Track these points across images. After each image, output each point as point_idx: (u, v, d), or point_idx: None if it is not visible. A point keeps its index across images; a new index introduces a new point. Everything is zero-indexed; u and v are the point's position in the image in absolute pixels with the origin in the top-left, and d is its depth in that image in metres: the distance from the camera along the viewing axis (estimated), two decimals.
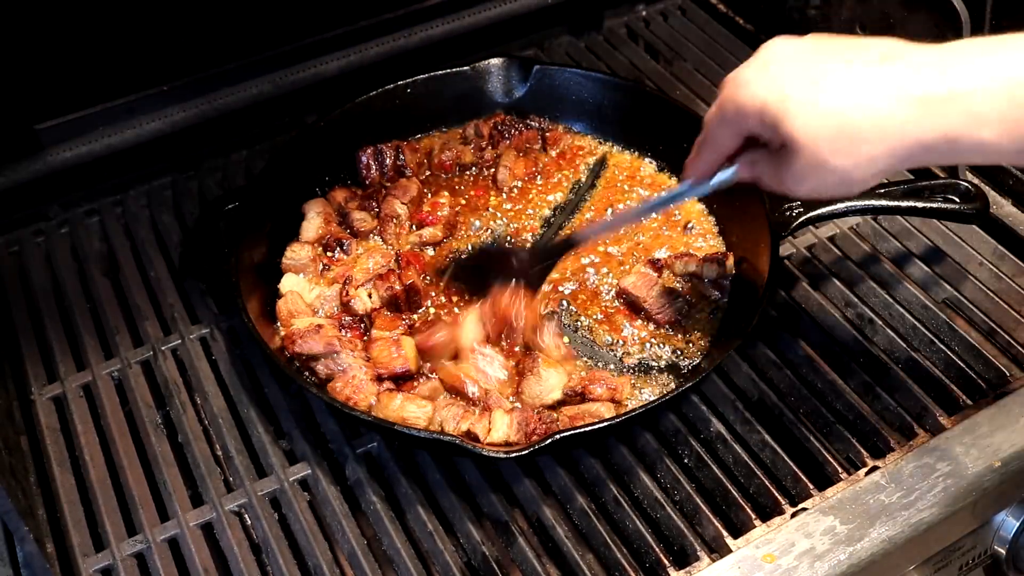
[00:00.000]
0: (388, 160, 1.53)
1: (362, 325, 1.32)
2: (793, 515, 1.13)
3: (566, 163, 1.56)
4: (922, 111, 0.88)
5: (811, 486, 1.16)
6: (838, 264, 1.43)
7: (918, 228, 1.46)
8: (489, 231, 1.47)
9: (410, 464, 1.22)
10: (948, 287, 1.40)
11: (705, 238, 1.44)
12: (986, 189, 1.46)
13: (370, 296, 1.33)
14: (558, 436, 1.10)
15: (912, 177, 1.52)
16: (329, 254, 1.42)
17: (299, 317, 1.30)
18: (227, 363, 1.34)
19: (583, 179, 1.54)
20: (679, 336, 1.33)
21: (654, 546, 1.12)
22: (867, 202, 1.32)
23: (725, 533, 1.12)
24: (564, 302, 1.37)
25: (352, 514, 1.18)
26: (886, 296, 1.37)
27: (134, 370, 1.34)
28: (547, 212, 1.50)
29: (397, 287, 1.33)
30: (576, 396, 1.23)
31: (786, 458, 1.19)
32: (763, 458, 1.21)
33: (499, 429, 1.16)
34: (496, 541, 1.16)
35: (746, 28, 1.85)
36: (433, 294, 1.38)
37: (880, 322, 1.34)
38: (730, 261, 1.37)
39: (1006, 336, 1.33)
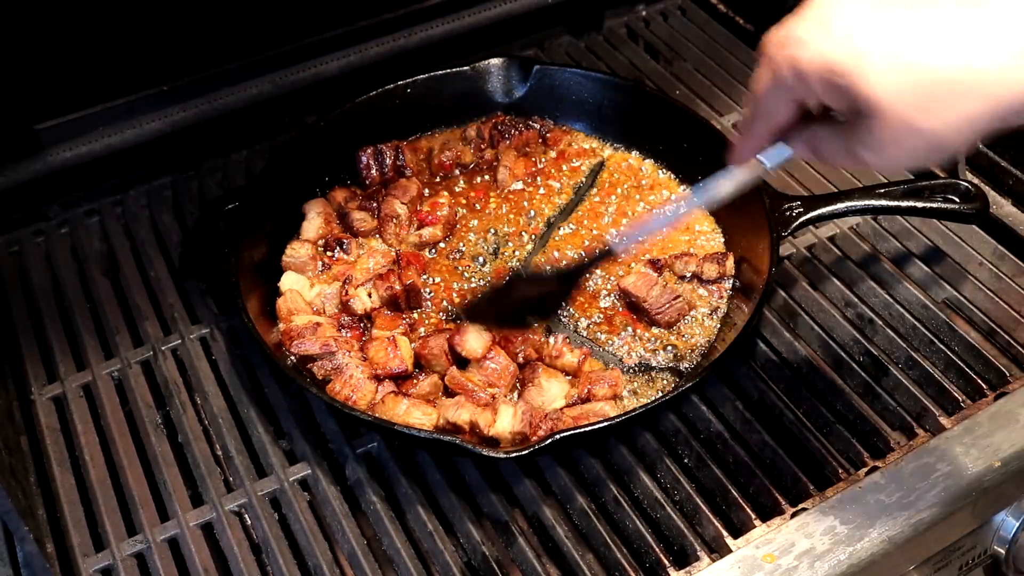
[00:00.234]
0: (388, 160, 1.53)
1: (361, 325, 1.32)
2: (793, 515, 1.13)
3: (566, 163, 1.56)
4: (1019, 62, 0.76)
5: (811, 486, 1.16)
6: (838, 264, 1.43)
7: (918, 228, 1.46)
8: (492, 232, 1.47)
9: (410, 464, 1.22)
10: (948, 287, 1.40)
11: (705, 238, 1.44)
12: (986, 189, 1.46)
13: (370, 296, 1.33)
14: (558, 436, 1.10)
15: (912, 177, 1.52)
16: (329, 254, 1.42)
17: (298, 315, 1.30)
18: (227, 363, 1.34)
19: (583, 180, 1.54)
20: (679, 336, 1.33)
21: (654, 546, 1.12)
22: (867, 202, 1.32)
23: (725, 533, 1.12)
24: (563, 303, 1.37)
25: (352, 514, 1.18)
26: (886, 296, 1.37)
27: (134, 370, 1.34)
28: (547, 212, 1.50)
29: (397, 287, 1.33)
30: (580, 399, 1.23)
31: (786, 458, 1.19)
32: (763, 458, 1.21)
33: (504, 420, 1.16)
34: (496, 541, 1.16)
35: (746, 28, 1.85)
36: (432, 293, 1.38)
37: (880, 322, 1.34)
38: (730, 261, 1.37)
39: (1006, 336, 1.33)
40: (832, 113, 0.88)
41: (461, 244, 1.45)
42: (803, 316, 1.35)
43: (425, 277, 1.40)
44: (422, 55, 1.69)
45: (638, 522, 1.14)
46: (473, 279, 1.41)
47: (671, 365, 1.30)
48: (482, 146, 1.56)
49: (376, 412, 1.21)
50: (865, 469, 1.16)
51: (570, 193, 1.52)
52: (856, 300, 1.37)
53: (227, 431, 1.26)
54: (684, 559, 1.12)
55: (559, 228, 1.48)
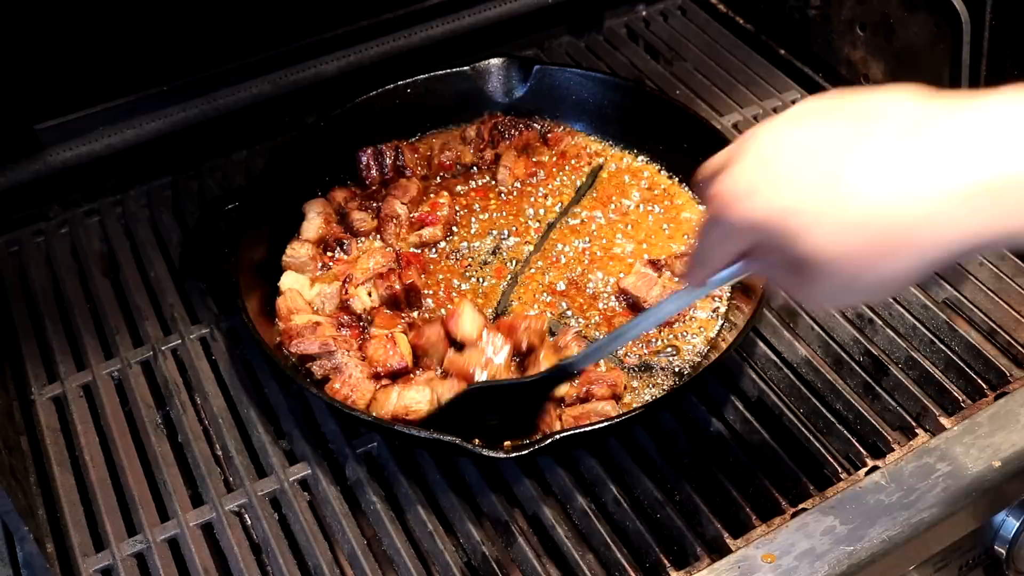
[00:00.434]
0: (388, 160, 1.53)
1: (361, 324, 1.32)
2: (793, 515, 1.13)
3: (566, 163, 1.56)
4: (972, 206, 0.71)
5: (811, 486, 1.15)
6: None
7: None
8: (492, 232, 1.47)
9: (410, 464, 1.22)
10: (948, 287, 1.40)
11: None
12: None
13: (370, 295, 1.33)
14: (558, 436, 1.11)
15: None
16: (329, 254, 1.42)
17: (298, 314, 1.31)
18: (227, 363, 1.34)
19: (584, 180, 1.54)
20: (679, 336, 1.33)
21: (654, 546, 1.12)
22: None
23: (725, 533, 1.11)
24: (563, 303, 1.37)
25: (352, 514, 1.18)
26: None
27: (134, 370, 1.34)
28: (547, 212, 1.50)
29: (397, 286, 1.33)
30: (579, 399, 1.23)
31: (786, 458, 1.19)
32: (763, 458, 1.21)
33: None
34: (496, 541, 1.16)
35: (746, 28, 1.85)
36: (432, 292, 1.38)
37: (880, 322, 1.34)
38: None
39: (1006, 336, 1.33)
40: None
41: (462, 243, 1.45)
42: (803, 316, 1.35)
43: (425, 278, 1.40)
44: (422, 55, 1.69)
45: (638, 522, 1.14)
46: (473, 278, 1.41)
47: (671, 365, 1.30)
48: (482, 146, 1.56)
49: (373, 410, 1.21)
50: (865, 469, 1.16)
51: (571, 193, 1.52)
52: None
53: (227, 431, 1.26)
54: (684, 559, 1.12)
55: (559, 228, 1.48)
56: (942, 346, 1.31)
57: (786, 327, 1.34)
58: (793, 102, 1.68)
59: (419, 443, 1.21)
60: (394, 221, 1.44)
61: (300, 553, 1.15)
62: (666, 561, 1.10)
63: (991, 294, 1.37)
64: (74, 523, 1.19)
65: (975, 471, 1.14)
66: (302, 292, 1.35)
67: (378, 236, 1.45)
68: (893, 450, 1.19)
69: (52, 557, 1.16)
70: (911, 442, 1.19)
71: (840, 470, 1.17)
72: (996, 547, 1.22)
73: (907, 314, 1.35)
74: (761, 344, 1.32)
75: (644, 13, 1.91)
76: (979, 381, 1.26)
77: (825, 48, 1.70)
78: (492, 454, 1.10)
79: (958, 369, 1.28)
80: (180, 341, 1.37)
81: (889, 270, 0.75)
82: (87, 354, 1.36)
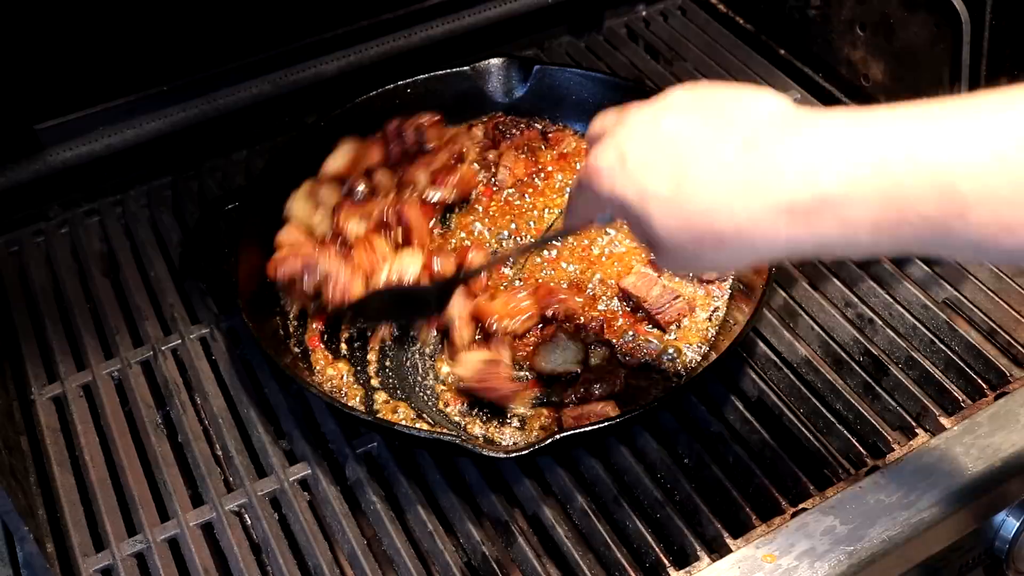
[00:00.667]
0: (409, 137, 1.52)
1: (349, 247, 1.36)
2: (793, 515, 1.13)
3: (567, 164, 1.56)
4: (790, 220, 0.79)
5: (811, 486, 1.16)
6: (838, 264, 1.43)
7: None
8: (489, 231, 1.47)
9: (410, 464, 1.22)
10: (948, 287, 1.39)
11: None
12: None
13: (360, 221, 1.37)
14: (558, 436, 1.11)
15: None
16: (342, 193, 1.44)
17: (288, 244, 1.34)
18: (227, 363, 1.34)
19: None
20: (679, 336, 1.33)
21: (654, 546, 1.12)
22: None
23: (725, 533, 1.11)
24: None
25: (352, 514, 1.18)
26: (886, 296, 1.37)
27: (134, 370, 1.34)
28: (547, 212, 1.50)
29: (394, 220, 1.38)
30: (578, 399, 1.23)
31: (786, 458, 1.19)
32: (763, 458, 1.21)
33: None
34: (496, 541, 1.16)
35: (746, 28, 1.85)
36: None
37: (880, 322, 1.34)
38: None
39: (1006, 336, 1.33)
40: None
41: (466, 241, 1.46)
42: (803, 316, 1.35)
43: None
44: (422, 55, 1.69)
45: (638, 522, 1.14)
46: None
47: (671, 365, 1.30)
48: (486, 145, 1.56)
49: (371, 286, 1.25)
50: (865, 469, 1.16)
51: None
52: (856, 300, 1.37)
53: (227, 431, 1.26)
54: (684, 559, 1.12)
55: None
56: (942, 346, 1.31)
57: (786, 327, 1.34)
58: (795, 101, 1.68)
59: (419, 443, 1.21)
60: (411, 187, 1.45)
61: (300, 553, 1.15)
62: (666, 561, 1.10)
63: (991, 294, 1.37)
64: (74, 523, 1.19)
65: (975, 471, 1.14)
66: (306, 218, 1.39)
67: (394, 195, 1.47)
68: (893, 450, 1.19)
69: (52, 557, 1.16)
70: (911, 442, 1.19)
71: (840, 470, 1.17)
72: (996, 547, 1.22)
73: (907, 314, 1.35)
74: (761, 344, 1.32)
75: (644, 13, 1.91)
76: (979, 381, 1.26)
77: (825, 48, 1.70)
78: (492, 454, 1.10)
79: (958, 369, 1.28)
80: (180, 341, 1.37)
81: (718, 259, 0.86)
82: (87, 354, 1.36)
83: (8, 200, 1.51)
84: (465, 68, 1.59)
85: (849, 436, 1.20)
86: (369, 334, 1.34)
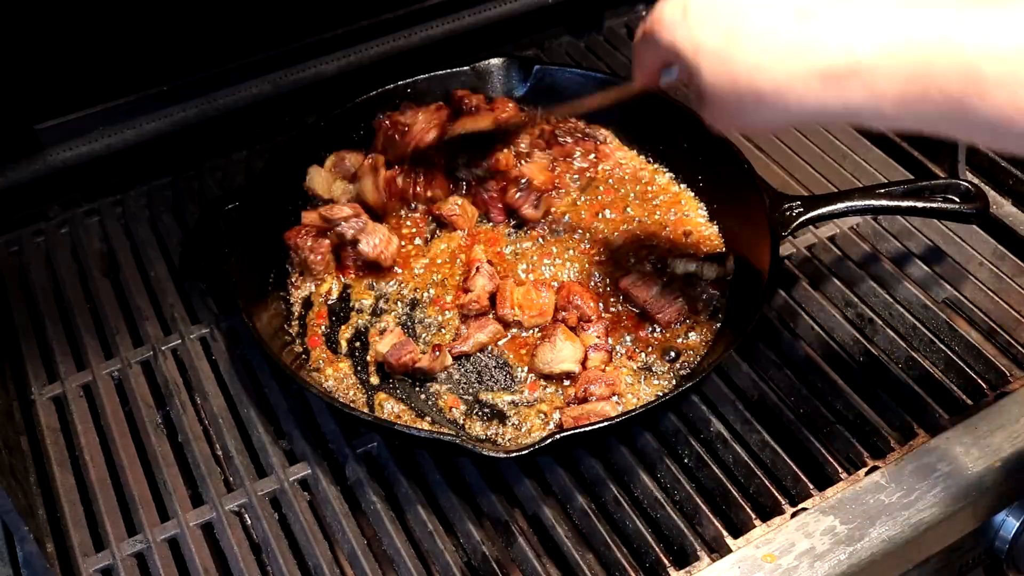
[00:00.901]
0: (467, 105, 1.54)
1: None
2: (793, 515, 1.13)
3: (587, 185, 1.53)
4: (824, 84, 0.88)
5: (811, 486, 1.16)
6: (838, 264, 1.43)
7: (918, 228, 1.46)
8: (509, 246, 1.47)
9: (410, 464, 1.22)
10: (948, 287, 1.40)
11: (705, 238, 1.44)
12: (986, 189, 1.47)
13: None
14: (558, 436, 1.11)
15: (912, 177, 1.52)
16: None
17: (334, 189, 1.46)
18: (227, 363, 1.34)
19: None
20: (679, 336, 1.33)
21: (654, 546, 1.12)
22: (867, 202, 1.32)
23: (725, 533, 1.12)
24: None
25: (352, 514, 1.18)
26: (886, 296, 1.37)
27: (134, 370, 1.34)
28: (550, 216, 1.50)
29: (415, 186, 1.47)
30: (578, 399, 1.23)
31: (786, 458, 1.19)
32: (763, 458, 1.21)
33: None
34: (496, 541, 1.16)
35: None
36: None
37: (880, 322, 1.34)
38: (730, 261, 1.37)
39: (1006, 336, 1.33)
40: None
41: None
42: (803, 316, 1.35)
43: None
44: (422, 55, 1.69)
45: (638, 522, 1.14)
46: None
47: (671, 365, 1.30)
48: (539, 145, 1.54)
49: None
50: (865, 469, 1.16)
51: (575, 195, 1.52)
52: (856, 300, 1.37)
53: (227, 431, 1.26)
54: (684, 559, 1.12)
55: (558, 227, 1.47)
56: (942, 346, 1.31)
57: (786, 327, 1.34)
58: None
59: (419, 443, 1.21)
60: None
61: (300, 553, 1.15)
62: (666, 561, 1.10)
63: (991, 294, 1.37)
64: (74, 523, 1.19)
65: (975, 471, 1.14)
66: (328, 184, 1.47)
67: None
68: (893, 450, 1.19)
69: (52, 557, 1.16)
70: (911, 442, 1.19)
71: (840, 470, 1.17)
72: (996, 547, 1.22)
73: (907, 314, 1.35)
74: (761, 344, 1.32)
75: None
76: (979, 381, 1.26)
77: None
78: (492, 454, 1.10)
79: (958, 369, 1.28)
80: (180, 341, 1.37)
81: (756, 118, 0.95)
82: (87, 354, 1.36)
83: (8, 200, 1.51)
84: (465, 68, 1.59)
85: (849, 436, 1.20)
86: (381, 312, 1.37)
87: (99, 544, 1.17)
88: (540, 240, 1.46)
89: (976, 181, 1.45)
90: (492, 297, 1.35)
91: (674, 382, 1.27)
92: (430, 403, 1.28)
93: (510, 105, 1.53)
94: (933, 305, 1.36)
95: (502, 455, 1.10)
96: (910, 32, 0.84)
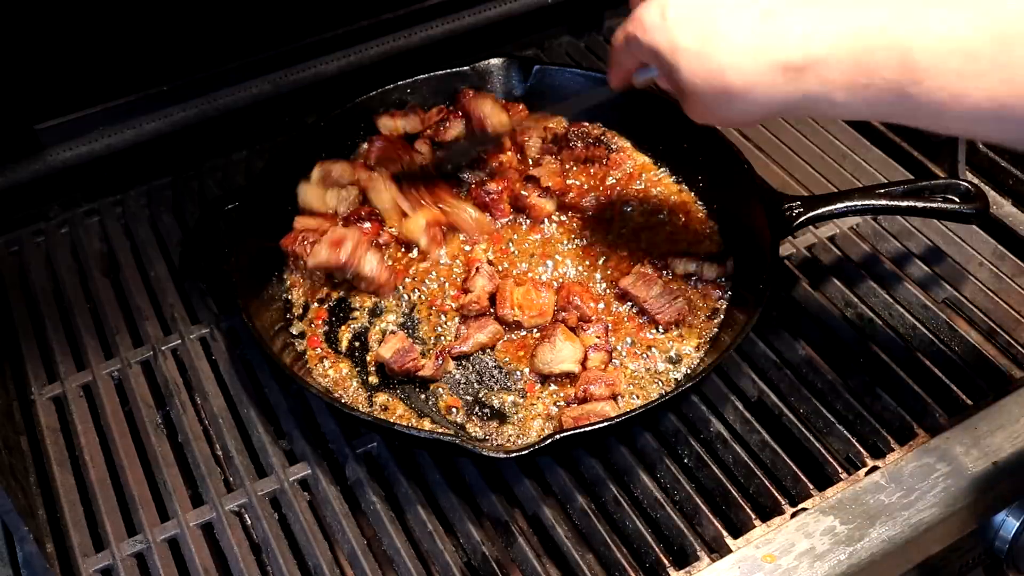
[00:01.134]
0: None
1: (378, 218, 1.43)
2: (793, 515, 1.13)
3: (603, 192, 1.52)
4: (785, 77, 0.95)
5: (811, 486, 1.16)
6: (838, 264, 1.43)
7: (918, 228, 1.46)
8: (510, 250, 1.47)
9: (410, 464, 1.22)
10: (948, 287, 1.40)
11: (705, 238, 1.44)
12: (986, 189, 1.47)
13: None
14: (558, 436, 1.10)
15: (912, 177, 1.52)
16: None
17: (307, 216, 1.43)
18: (227, 363, 1.34)
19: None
20: (679, 336, 1.33)
21: (654, 546, 1.12)
22: (867, 202, 1.32)
23: (725, 533, 1.12)
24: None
25: (352, 514, 1.18)
26: (886, 296, 1.37)
27: (134, 370, 1.34)
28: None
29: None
30: (578, 399, 1.23)
31: (786, 458, 1.19)
32: (763, 458, 1.21)
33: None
34: (496, 541, 1.16)
35: None
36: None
37: (880, 322, 1.34)
38: (730, 261, 1.37)
39: (1006, 336, 1.33)
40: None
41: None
42: (803, 316, 1.35)
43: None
44: (422, 55, 1.69)
45: (638, 522, 1.14)
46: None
47: (671, 365, 1.30)
48: (548, 149, 1.54)
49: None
50: (865, 469, 1.16)
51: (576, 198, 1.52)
52: (856, 300, 1.37)
53: (227, 431, 1.26)
54: (684, 559, 1.12)
55: (559, 227, 1.47)
56: (942, 346, 1.31)
57: (786, 327, 1.34)
58: None
59: (419, 443, 1.21)
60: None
61: (300, 553, 1.15)
62: (666, 561, 1.10)
63: (991, 294, 1.37)
64: (74, 523, 1.19)
65: (975, 471, 1.14)
66: (317, 199, 1.44)
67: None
68: (893, 450, 1.19)
69: (52, 557, 1.16)
70: (911, 442, 1.19)
71: (840, 470, 1.17)
72: (996, 547, 1.22)
73: (907, 314, 1.35)
74: (761, 344, 1.32)
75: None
76: (979, 381, 1.26)
77: None
78: (492, 454, 1.10)
79: (958, 369, 1.28)
80: (180, 341, 1.37)
81: (732, 110, 1.01)
82: (87, 354, 1.36)
83: (8, 200, 1.51)
84: (465, 68, 1.59)
85: (849, 436, 1.20)
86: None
87: (99, 544, 1.17)
88: (540, 236, 1.46)
89: (976, 181, 1.45)
90: (492, 297, 1.35)
91: (674, 382, 1.27)
92: (430, 403, 1.28)
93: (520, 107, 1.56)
94: (933, 305, 1.36)
95: (502, 455, 1.10)
96: (857, 25, 0.91)
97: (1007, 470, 1.15)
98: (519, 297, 1.33)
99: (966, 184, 1.34)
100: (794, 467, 1.18)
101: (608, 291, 1.38)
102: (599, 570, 1.12)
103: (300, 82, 1.63)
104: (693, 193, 1.50)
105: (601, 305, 1.36)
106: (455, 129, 1.54)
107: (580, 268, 1.41)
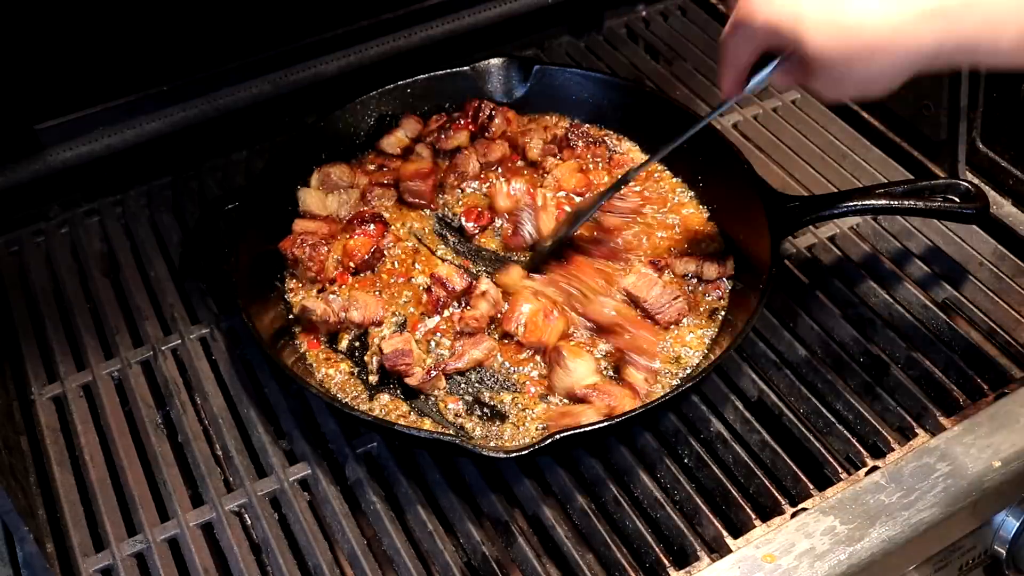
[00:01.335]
0: (482, 115, 1.54)
1: (382, 220, 1.43)
2: (793, 515, 1.13)
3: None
4: (940, 22, 0.87)
5: (811, 486, 1.16)
6: (838, 264, 1.43)
7: (918, 228, 1.46)
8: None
9: (410, 464, 1.22)
10: (948, 287, 1.40)
11: (705, 238, 1.44)
12: (986, 189, 1.46)
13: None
14: (558, 436, 1.10)
15: (912, 177, 1.52)
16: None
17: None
18: (227, 363, 1.34)
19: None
20: (679, 336, 1.33)
21: (654, 546, 1.12)
22: (867, 202, 1.32)
23: (725, 533, 1.12)
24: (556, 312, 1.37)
25: (352, 514, 1.18)
26: (886, 296, 1.37)
27: (134, 370, 1.34)
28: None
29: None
30: (578, 400, 1.23)
31: (786, 458, 1.19)
32: (763, 458, 1.21)
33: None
34: (496, 541, 1.16)
35: None
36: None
37: (880, 322, 1.34)
38: (730, 261, 1.37)
39: (1006, 336, 1.33)
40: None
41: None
42: (803, 316, 1.35)
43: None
44: (422, 55, 1.69)
45: (638, 522, 1.14)
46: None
47: (671, 365, 1.30)
48: (550, 150, 1.54)
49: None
50: (865, 469, 1.16)
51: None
52: (856, 300, 1.37)
53: (227, 431, 1.26)
54: (684, 559, 1.12)
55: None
56: (942, 346, 1.31)
57: (786, 327, 1.34)
58: (792, 102, 1.69)
59: (419, 443, 1.21)
60: (457, 173, 1.49)
61: (300, 553, 1.15)
62: (666, 561, 1.10)
63: (991, 294, 1.37)
64: (74, 523, 1.19)
65: (975, 471, 1.14)
66: (317, 204, 1.45)
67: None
68: (893, 450, 1.19)
69: (52, 557, 1.16)
70: (911, 442, 1.19)
71: (840, 470, 1.17)
72: (996, 547, 1.22)
73: (907, 314, 1.35)
74: (761, 344, 1.32)
75: (644, 13, 1.91)
76: (979, 381, 1.26)
77: None
78: (492, 454, 1.10)
79: (958, 369, 1.28)
80: (180, 341, 1.37)
81: (868, 74, 0.94)
82: (87, 354, 1.36)
83: (8, 200, 1.51)
84: (465, 68, 1.59)
85: (849, 436, 1.20)
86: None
87: (99, 544, 1.17)
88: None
89: (976, 181, 1.45)
90: (491, 319, 1.33)
91: (674, 382, 1.27)
92: (430, 403, 1.28)
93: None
94: (933, 305, 1.36)
95: (502, 455, 1.10)
96: None
97: (1007, 470, 1.15)
98: (528, 315, 1.31)
99: (966, 184, 1.34)
100: (794, 467, 1.18)
101: (607, 293, 1.38)
102: (599, 570, 1.12)
103: (300, 82, 1.63)
104: (693, 193, 1.50)
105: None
106: (459, 138, 1.53)
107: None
